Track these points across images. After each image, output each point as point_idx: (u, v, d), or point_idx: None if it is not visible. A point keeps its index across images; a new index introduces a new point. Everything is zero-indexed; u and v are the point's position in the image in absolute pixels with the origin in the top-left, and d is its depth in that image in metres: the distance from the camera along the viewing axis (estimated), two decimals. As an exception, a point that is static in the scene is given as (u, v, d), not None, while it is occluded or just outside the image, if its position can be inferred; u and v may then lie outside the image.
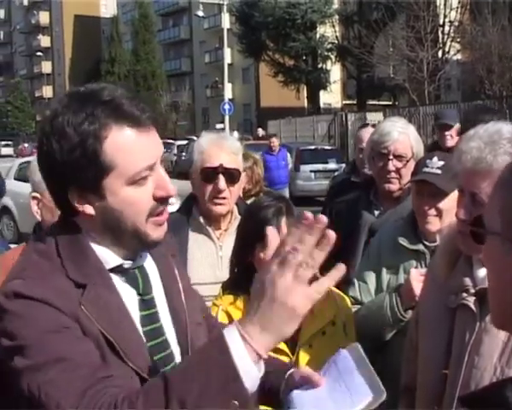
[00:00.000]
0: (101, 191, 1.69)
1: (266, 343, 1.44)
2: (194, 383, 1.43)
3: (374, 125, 5.71)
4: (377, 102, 45.80)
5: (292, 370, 2.04)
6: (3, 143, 76.28)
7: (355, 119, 31.32)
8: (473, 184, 2.15)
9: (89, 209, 1.72)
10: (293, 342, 2.68)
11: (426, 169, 3.06)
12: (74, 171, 1.66)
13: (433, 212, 3.05)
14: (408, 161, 3.71)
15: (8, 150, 71.67)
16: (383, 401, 1.75)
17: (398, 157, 3.75)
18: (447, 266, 2.32)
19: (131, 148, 1.69)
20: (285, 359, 2.63)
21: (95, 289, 1.70)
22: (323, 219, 1.40)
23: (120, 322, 1.73)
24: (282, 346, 2.63)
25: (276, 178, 17.02)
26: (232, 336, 1.43)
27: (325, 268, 1.45)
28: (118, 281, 1.80)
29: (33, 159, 3.00)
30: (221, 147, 3.27)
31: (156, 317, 1.87)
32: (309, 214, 1.41)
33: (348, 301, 3.09)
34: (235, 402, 1.41)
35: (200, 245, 3.33)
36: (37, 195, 2.87)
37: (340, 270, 1.46)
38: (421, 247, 3.16)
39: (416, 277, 2.94)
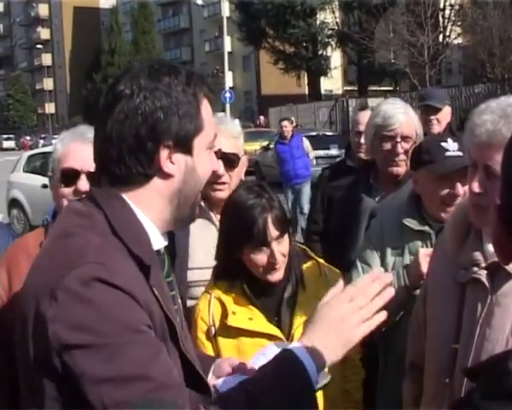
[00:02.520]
0: (192, 149, 1.76)
1: (325, 364, 1.70)
2: (275, 398, 1.61)
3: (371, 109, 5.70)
4: (378, 88, 45.79)
5: (219, 360, 2.20)
6: (5, 136, 76.50)
7: (356, 104, 31.25)
8: (487, 156, 2.14)
9: (172, 169, 1.73)
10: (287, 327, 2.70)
11: (448, 153, 3.00)
12: (178, 125, 1.72)
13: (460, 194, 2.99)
14: (414, 143, 3.70)
15: (11, 144, 71.88)
16: (328, 381, 1.89)
17: (405, 139, 3.74)
18: (457, 240, 2.32)
19: (210, 117, 1.83)
20: None
21: (155, 271, 1.69)
22: (389, 276, 1.80)
23: (172, 306, 1.77)
24: (276, 332, 2.64)
25: (292, 172, 14.39)
26: (303, 355, 1.67)
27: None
28: None
29: (51, 148, 2.96)
30: (219, 131, 3.20)
31: (176, 299, 1.93)
32: (377, 273, 1.81)
33: (339, 275, 3.01)
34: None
35: (202, 229, 3.30)
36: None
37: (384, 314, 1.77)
38: (426, 228, 3.12)
39: (424, 256, 2.93)
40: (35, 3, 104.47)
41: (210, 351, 2.69)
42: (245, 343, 2.67)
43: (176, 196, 1.76)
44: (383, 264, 3.26)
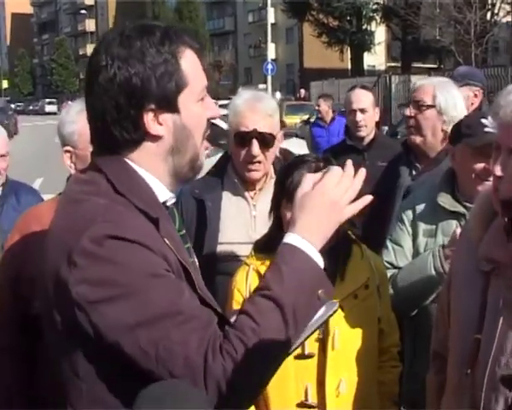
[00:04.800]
0: (177, 106, 1.76)
1: (319, 245, 1.73)
2: (296, 291, 1.65)
3: (362, 87, 5.76)
4: (422, 65, 45.21)
5: None
6: (48, 100, 77.34)
7: (399, 81, 30.86)
8: (511, 138, 2.08)
9: (160, 130, 1.75)
10: None
11: (487, 129, 2.94)
12: (157, 87, 1.72)
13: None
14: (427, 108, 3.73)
15: (53, 108, 72.58)
16: (336, 308, 1.86)
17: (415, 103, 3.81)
18: (481, 227, 2.25)
19: (197, 67, 1.81)
20: None
21: (163, 222, 1.72)
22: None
23: (186, 255, 1.81)
24: None
25: None
26: (302, 243, 1.70)
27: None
28: None
29: (65, 111, 2.96)
30: (255, 110, 3.20)
31: (191, 251, 2.01)
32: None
33: (382, 262, 3.05)
34: (320, 291, 1.69)
35: (234, 205, 3.30)
36: (70, 148, 2.83)
37: (368, 198, 1.76)
38: (460, 208, 3.10)
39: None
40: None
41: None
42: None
43: (169, 154, 1.79)
44: (415, 244, 3.24)
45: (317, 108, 11.56)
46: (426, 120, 3.69)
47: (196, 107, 1.80)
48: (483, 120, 3.00)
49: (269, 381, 1.72)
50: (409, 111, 3.77)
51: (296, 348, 1.78)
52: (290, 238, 1.72)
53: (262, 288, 1.68)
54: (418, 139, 3.78)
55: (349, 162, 1.76)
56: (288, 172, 2.69)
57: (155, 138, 1.76)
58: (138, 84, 1.70)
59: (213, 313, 1.72)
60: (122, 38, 1.72)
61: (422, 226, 3.22)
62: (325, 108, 11.37)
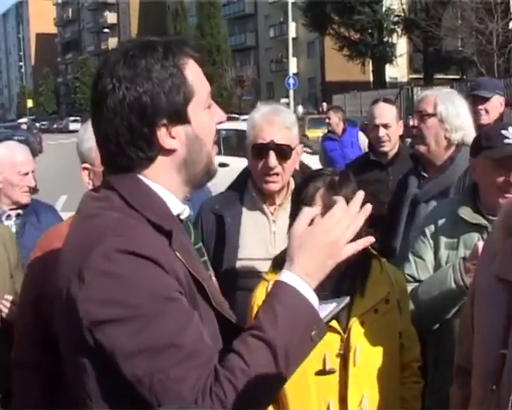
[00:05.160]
0: (188, 118, 1.76)
1: (315, 285, 1.71)
2: (289, 333, 1.62)
3: (385, 100, 5.63)
4: (444, 76, 45.00)
5: None
6: (72, 118, 77.99)
7: (421, 93, 30.79)
8: None
9: (174, 143, 1.75)
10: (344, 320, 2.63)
11: (507, 141, 2.94)
12: (166, 102, 1.72)
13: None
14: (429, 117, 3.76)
15: (77, 126, 72.94)
16: (347, 302, 1.86)
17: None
18: (504, 240, 2.23)
19: (200, 76, 1.82)
20: (336, 336, 2.59)
21: (177, 235, 1.71)
22: (361, 193, 1.75)
23: (200, 267, 1.80)
24: (334, 324, 2.56)
25: None
26: (297, 283, 1.68)
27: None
28: None
29: (83, 128, 2.94)
30: (273, 122, 3.20)
31: (207, 265, 2.00)
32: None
33: (403, 277, 3.01)
34: (314, 333, 1.66)
35: (253, 220, 3.29)
36: (88, 165, 2.85)
37: (369, 240, 1.77)
38: (482, 220, 3.07)
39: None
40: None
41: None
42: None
43: (183, 166, 1.79)
44: (436, 257, 3.22)
45: (327, 120, 10.96)
46: (428, 129, 3.72)
47: (205, 115, 1.81)
48: (503, 132, 2.98)
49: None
50: (412, 121, 3.81)
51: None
52: (285, 276, 1.70)
53: (254, 328, 1.64)
54: (422, 148, 3.79)
55: (342, 201, 1.74)
56: (304, 186, 2.68)
57: (169, 152, 1.76)
58: (148, 102, 1.71)
59: (232, 328, 1.72)
60: (126, 59, 1.72)
61: (444, 239, 3.20)
62: (335, 119, 10.71)
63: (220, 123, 1.89)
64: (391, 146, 5.29)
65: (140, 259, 1.58)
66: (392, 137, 5.28)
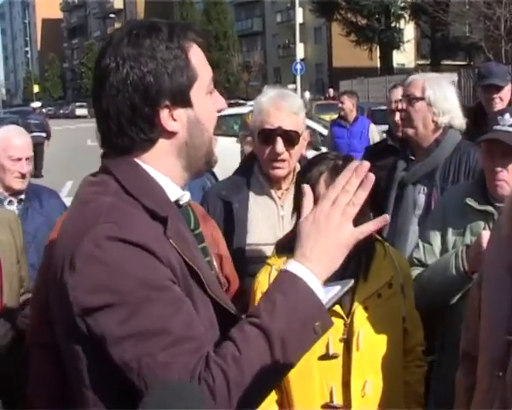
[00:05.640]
0: (190, 101, 1.75)
1: (323, 275, 1.66)
2: (287, 322, 1.59)
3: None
4: (452, 62, 44.84)
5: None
6: (78, 104, 78.05)
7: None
8: None
9: (176, 126, 1.74)
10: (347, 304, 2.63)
11: (497, 127, 2.94)
12: (170, 83, 1.71)
13: (504, 174, 2.95)
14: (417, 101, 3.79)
15: (83, 111, 73.16)
16: (351, 285, 1.81)
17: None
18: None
19: (204, 61, 1.81)
20: (340, 321, 2.59)
21: (172, 222, 1.70)
22: (366, 164, 1.62)
23: (196, 254, 1.78)
24: (337, 308, 2.57)
25: None
26: (302, 272, 1.63)
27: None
28: None
29: None
30: (280, 107, 3.19)
31: (207, 251, 1.97)
32: (355, 162, 1.66)
33: (406, 261, 3.02)
34: (317, 324, 1.62)
35: (261, 205, 3.29)
36: None
37: (384, 219, 1.68)
38: (489, 208, 3.07)
39: (487, 239, 2.85)
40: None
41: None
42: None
43: (184, 150, 1.78)
44: (444, 242, 3.23)
45: (340, 105, 10.26)
46: (416, 113, 3.77)
47: (207, 100, 1.80)
48: (499, 117, 2.99)
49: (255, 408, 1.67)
50: (401, 105, 3.88)
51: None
52: (291, 266, 1.65)
53: (252, 315, 1.63)
54: (410, 131, 3.83)
55: (337, 180, 1.65)
56: (307, 169, 2.69)
57: (170, 135, 1.75)
58: (152, 82, 1.69)
59: (229, 315, 1.72)
60: (131, 38, 1.71)
61: (451, 225, 3.21)
62: (349, 105, 10.08)
63: (221, 110, 1.87)
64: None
65: (131, 246, 1.57)
66: None
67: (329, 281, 1.78)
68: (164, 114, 1.72)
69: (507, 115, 2.95)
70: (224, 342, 1.60)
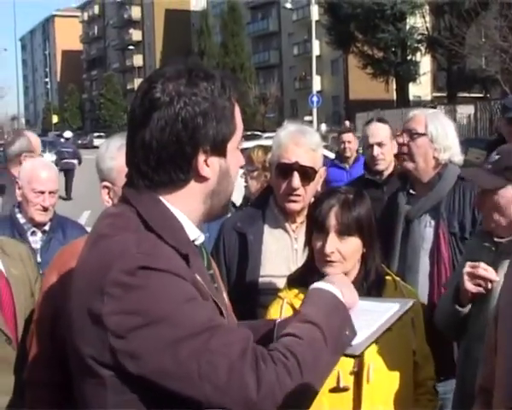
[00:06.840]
0: (226, 151, 1.82)
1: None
2: (331, 324, 1.78)
3: (379, 120, 5.75)
4: (468, 95, 44.77)
5: (278, 320, 2.19)
6: (96, 134, 78.50)
7: (445, 111, 30.59)
8: None
9: (209, 173, 1.79)
10: None
11: (487, 165, 3.02)
12: (216, 130, 1.77)
13: (487, 210, 3.03)
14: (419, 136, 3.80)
15: (101, 141, 72.84)
16: (411, 305, 1.96)
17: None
18: None
19: (240, 116, 1.88)
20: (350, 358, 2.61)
21: (193, 259, 1.76)
22: None
23: (215, 292, 1.86)
24: None
25: None
26: (328, 286, 1.89)
27: None
28: None
29: (104, 146, 2.91)
30: (298, 143, 3.22)
31: (220, 291, 2.02)
32: None
33: (417, 295, 3.04)
34: (347, 332, 1.82)
35: (275, 238, 3.32)
36: (108, 184, 2.81)
37: None
38: (487, 243, 3.10)
39: (468, 272, 2.93)
40: (128, 6, 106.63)
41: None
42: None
43: (209, 197, 1.83)
44: None
45: (342, 146, 8.29)
46: (418, 148, 3.77)
47: (236, 154, 1.87)
48: (491, 155, 3.06)
49: (318, 390, 1.77)
50: (402, 139, 3.85)
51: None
52: (317, 284, 1.91)
53: (297, 320, 1.79)
54: (410, 165, 3.83)
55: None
56: (318, 203, 2.72)
57: (202, 179, 1.79)
58: (201, 124, 1.74)
59: None
60: (190, 76, 1.76)
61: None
62: (354, 145, 8.34)
63: (241, 167, 1.97)
64: (385, 165, 5.44)
65: (161, 272, 1.63)
66: (387, 155, 5.42)
67: None
68: (201, 158, 1.76)
69: (495, 152, 3.04)
70: (278, 341, 1.74)
